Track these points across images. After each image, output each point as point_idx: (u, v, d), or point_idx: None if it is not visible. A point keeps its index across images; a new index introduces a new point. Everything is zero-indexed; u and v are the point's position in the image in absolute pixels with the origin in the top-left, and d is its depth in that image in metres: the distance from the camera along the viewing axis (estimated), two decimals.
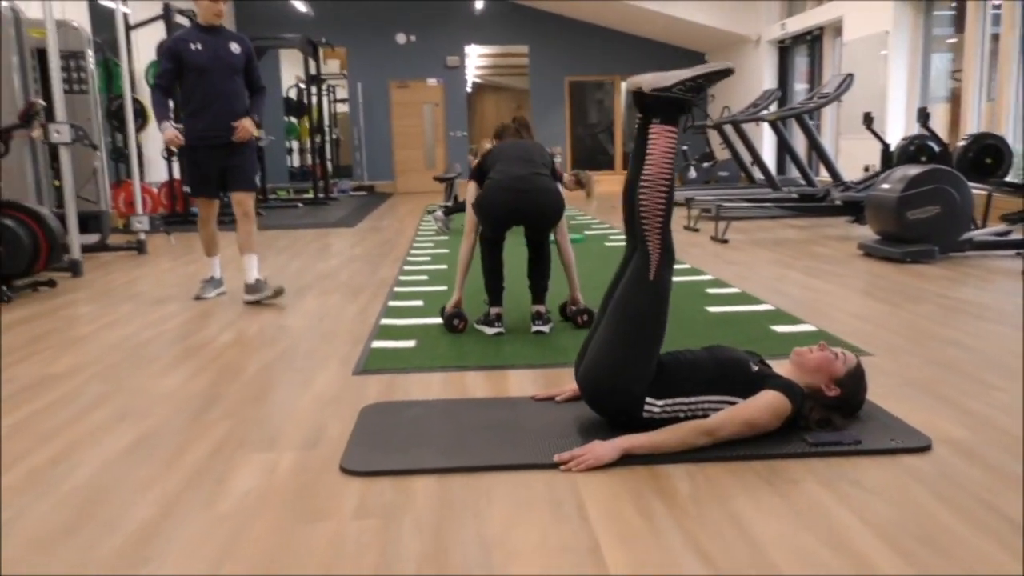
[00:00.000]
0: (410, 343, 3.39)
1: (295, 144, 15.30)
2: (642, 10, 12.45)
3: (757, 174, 10.02)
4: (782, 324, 3.60)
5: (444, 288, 4.59)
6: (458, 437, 2.29)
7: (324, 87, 15.04)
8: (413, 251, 6.37)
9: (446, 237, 7.42)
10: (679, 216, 8.02)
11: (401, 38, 14.02)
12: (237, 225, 4.45)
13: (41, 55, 5.80)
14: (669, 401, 2.22)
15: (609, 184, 14.56)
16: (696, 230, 7.27)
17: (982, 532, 1.72)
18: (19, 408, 2.66)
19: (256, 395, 2.79)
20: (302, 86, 12.12)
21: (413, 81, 14.18)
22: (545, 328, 3.55)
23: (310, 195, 11.74)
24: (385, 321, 3.84)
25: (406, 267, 5.54)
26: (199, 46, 4.28)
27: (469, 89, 25.92)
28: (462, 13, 13.81)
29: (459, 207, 8.36)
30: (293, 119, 14.59)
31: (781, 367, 2.37)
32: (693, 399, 2.23)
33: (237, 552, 1.69)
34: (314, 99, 12.31)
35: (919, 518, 1.79)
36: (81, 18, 7.94)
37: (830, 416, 2.26)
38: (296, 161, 15.47)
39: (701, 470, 2.05)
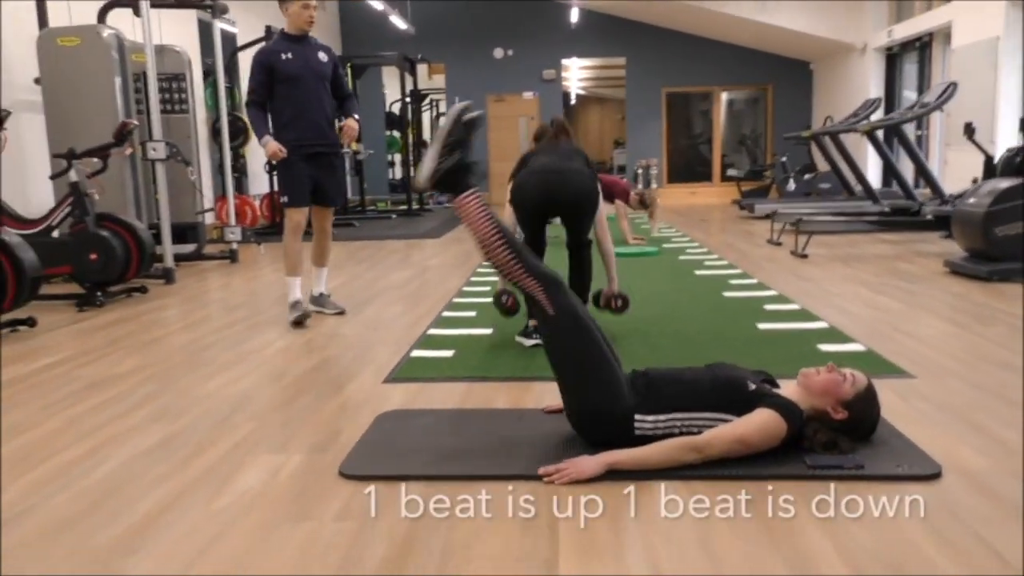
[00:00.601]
0: (448, 353, 3.47)
1: (397, 157, 15.75)
2: (741, 20, 12.19)
3: (858, 186, 9.65)
4: (831, 343, 3.48)
5: None
6: (457, 446, 2.34)
7: (427, 101, 15.45)
8: (486, 263, 6.45)
9: None
10: (763, 229, 7.82)
11: (498, 53, 14.23)
12: (316, 238, 4.51)
13: (145, 78, 6.23)
14: (661, 417, 2.21)
15: (706, 196, 14.35)
16: (779, 244, 7.06)
17: (963, 566, 1.64)
18: (74, 406, 2.89)
19: (286, 400, 2.92)
20: (406, 100, 12.47)
21: (509, 95, 14.36)
22: None
23: (406, 207, 12.05)
24: (432, 331, 3.93)
25: (473, 278, 5.64)
26: (290, 55, 4.18)
27: (573, 101, 25.98)
28: (558, 26, 13.88)
29: None
30: (395, 133, 15.02)
31: (787, 388, 2.32)
32: (687, 415, 2.21)
33: (215, 548, 1.79)
34: (414, 113, 12.68)
35: (899, 549, 1.72)
36: (192, 40, 8.48)
37: (836, 439, 2.19)
38: (399, 173, 15.91)
39: (688, 488, 2.02)
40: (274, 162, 4.25)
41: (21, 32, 6.01)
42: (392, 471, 2.15)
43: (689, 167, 15.06)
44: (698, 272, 5.70)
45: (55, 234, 5.18)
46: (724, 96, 14.80)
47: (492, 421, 2.55)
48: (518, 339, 3.62)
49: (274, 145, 4.15)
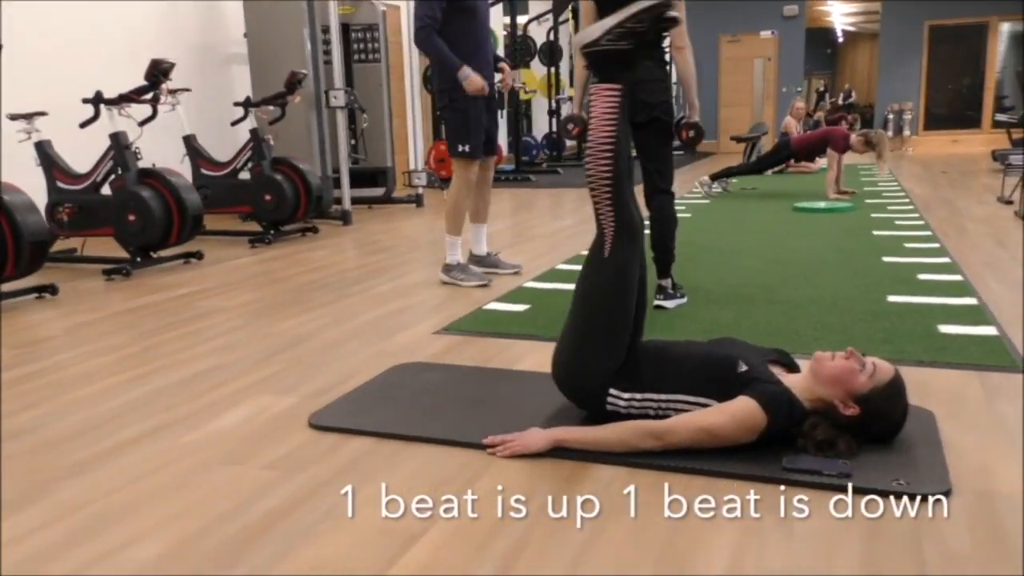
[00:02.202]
0: (522, 307, 3.38)
1: None
2: None
3: None
4: (958, 323, 2.93)
5: None
6: (435, 406, 2.27)
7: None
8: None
9: (706, 201, 7.07)
10: (995, 185, 6.72)
11: None
12: (478, 192, 4.08)
13: (343, 29, 6.63)
14: (637, 396, 1.99)
15: (970, 145, 12.58)
16: (1009, 202, 6.04)
17: None
18: (163, 334, 3.18)
19: (337, 343, 3.00)
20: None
21: (745, 34, 13.46)
22: (667, 304, 3.29)
23: None
24: (529, 284, 3.85)
25: None
26: None
27: (840, 38, 23.79)
28: None
29: (736, 170, 7.91)
30: None
31: (803, 372, 2.00)
32: (665, 396, 1.98)
33: (140, 483, 1.86)
34: None
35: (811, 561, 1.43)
36: None
37: (836, 438, 1.85)
38: None
39: (632, 476, 1.82)
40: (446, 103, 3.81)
41: None
42: (350, 425, 2.15)
43: (953, 112, 13.30)
44: (876, 232, 5.05)
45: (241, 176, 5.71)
46: (1004, 27, 12.81)
47: (491, 382, 2.46)
48: None
49: (479, 79, 3.70)
